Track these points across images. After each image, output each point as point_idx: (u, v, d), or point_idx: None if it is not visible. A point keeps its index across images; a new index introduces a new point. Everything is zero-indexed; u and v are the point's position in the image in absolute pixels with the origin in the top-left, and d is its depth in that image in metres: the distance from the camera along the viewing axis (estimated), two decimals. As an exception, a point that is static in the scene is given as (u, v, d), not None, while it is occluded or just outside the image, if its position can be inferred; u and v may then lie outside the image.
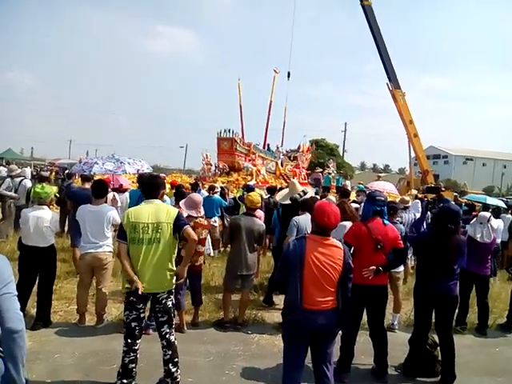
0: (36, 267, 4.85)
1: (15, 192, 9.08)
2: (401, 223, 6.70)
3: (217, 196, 9.74)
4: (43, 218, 4.82)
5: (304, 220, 5.25)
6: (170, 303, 3.64)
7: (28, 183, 9.38)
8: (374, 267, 3.99)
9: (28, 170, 11.20)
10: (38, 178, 8.04)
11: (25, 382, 1.90)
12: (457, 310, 5.13)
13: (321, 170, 22.33)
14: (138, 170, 7.97)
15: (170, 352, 3.63)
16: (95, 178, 7.02)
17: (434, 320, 4.34)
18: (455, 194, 18.70)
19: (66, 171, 15.61)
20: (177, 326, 4.96)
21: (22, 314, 1.89)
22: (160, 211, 3.56)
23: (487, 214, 5.92)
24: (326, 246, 3.15)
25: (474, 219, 5.89)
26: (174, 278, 3.69)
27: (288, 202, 5.98)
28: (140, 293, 3.44)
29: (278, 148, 22.33)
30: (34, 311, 4.96)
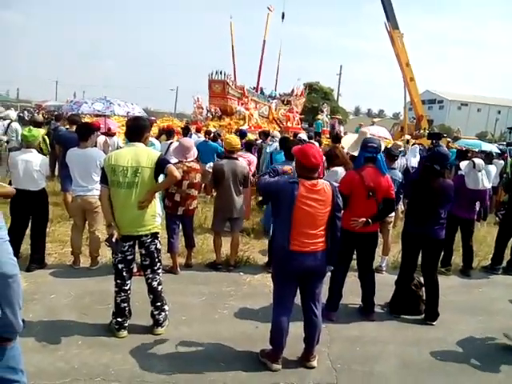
0: (28, 211, 4.83)
1: (4, 135, 8.92)
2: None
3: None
4: (32, 162, 4.75)
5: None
6: (153, 247, 3.65)
7: (17, 126, 9.17)
8: (364, 219, 4.02)
9: (13, 113, 10.85)
10: (31, 123, 7.85)
11: (22, 325, 1.92)
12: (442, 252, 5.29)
13: (339, 117, 21.90)
14: (128, 113, 7.79)
15: (152, 296, 3.73)
16: (83, 121, 6.86)
17: (420, 261, 4.47)
18: (448, 139, 18.68)
19: (55, 113, 15.21)
20: (170, 268, 5.10)
21: (15, 259, 1.86)
22: (140, 155, 3.47)
23: (481, 161, 5.92)
24: (316, 191, 3.13)
25: (467, 165, 5.86)
26: (157, 219, 3.68)
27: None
28: (114, 240, 3.48)
29: (264, 93, 21.90)
30: (28, 254, 5.01)
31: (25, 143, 4.88)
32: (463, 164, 5.97)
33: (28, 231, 5.00)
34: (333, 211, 3.17)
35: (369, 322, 4.27)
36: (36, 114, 16.56)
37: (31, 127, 5.32)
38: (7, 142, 8.90)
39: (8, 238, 1.89)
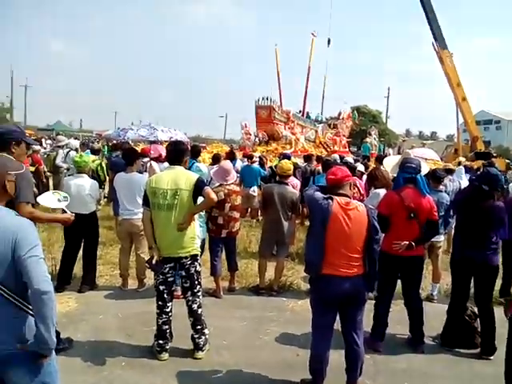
0: (80, 233, 5.07)
1: (64, 162, 9.50)
2: (445, 192, 6.40)
3: (256, 165, 9.73)
4: (83, 186, 5.02)
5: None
6: (193, 269, 3.68)
7: (74, 154, 9.74)
8: (407, 242, 3.87)
9: (74, 142, 11.59)
10: (90, 150, 8.38)
11: (55, 341, 1.97)
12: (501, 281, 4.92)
13: (405, 139, 21.70)
14: (171, 138, 8.11)
15: (192, 319, 3.73)
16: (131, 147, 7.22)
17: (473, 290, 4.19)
18: (507, 161, 17.67)
19: (113, 142, 16.16)
20: (213, 291, 5.12)
21: (49, 276, 1.94)
22: (179, 177, 3.57)
23: None
24: (349, 209, 3.06)
25: None
26: (196, 241, 3.75)
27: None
28: (154, 262, 3.56)
29: (310, 117, 21.91)
30: (81, 275, 5.24)
31: (76, 169, 5.20)
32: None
33: (80, 253, 5.24)
34: (369, 233, 3.07)
35: (418, 354, 4.03)
36: (96, 143, 17.64)
37: (82, 153, 5.66)
38: (67, 169, 9.47)
39: (43, 256, 1.99)
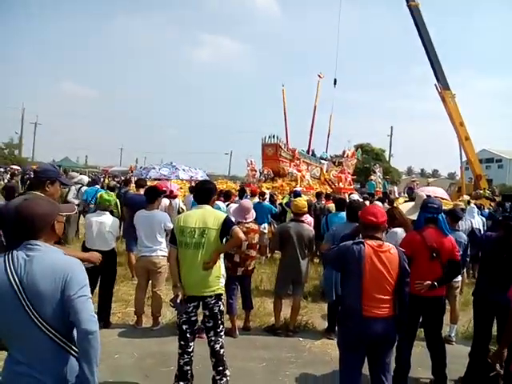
0: (98, 270, 5.04)
1: (76, 198, 9.59)
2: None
3: (266, 202, 9.82)
4: (105, 223, 5.08)
5: (342, 229, 5.11)
6: (217, 309, 3.64)
7: (85, 190, 9.84)
8: (429, 282, 3.87)
9: (85, 178, 11.74)
10: (107, 188, 8.63)
11: (97, 383, 1.93)
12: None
13: (415, 178, 22.08)
14: (192, 177, 8.28)
15: (214, 360, 3.65)
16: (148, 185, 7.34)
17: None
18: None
19: (123, 178, 16.39)
20: (228, 330, 5.05)
21: (96, 316, 1.94)
22: (207, 216, 3.60)
23: None
24: (382, 252, 3.08)
25: None
26: (221, 280, 3.72)
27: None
28: (178, 300, 3.54)
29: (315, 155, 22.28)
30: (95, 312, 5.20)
31: (101, 206, 5.26)
32: None
33: (96, 290, 5.23)
34: (401, 276, 3.09)
35: (442, 397, 3.95)
36: (111, 180, 17.88)
37: (108, 191, 5.76)
38: (78, 205, 9.55)
39: (90, 296, 1.99)
